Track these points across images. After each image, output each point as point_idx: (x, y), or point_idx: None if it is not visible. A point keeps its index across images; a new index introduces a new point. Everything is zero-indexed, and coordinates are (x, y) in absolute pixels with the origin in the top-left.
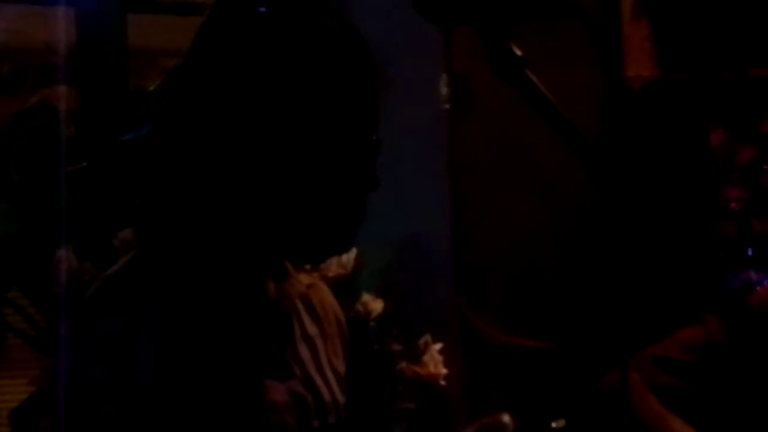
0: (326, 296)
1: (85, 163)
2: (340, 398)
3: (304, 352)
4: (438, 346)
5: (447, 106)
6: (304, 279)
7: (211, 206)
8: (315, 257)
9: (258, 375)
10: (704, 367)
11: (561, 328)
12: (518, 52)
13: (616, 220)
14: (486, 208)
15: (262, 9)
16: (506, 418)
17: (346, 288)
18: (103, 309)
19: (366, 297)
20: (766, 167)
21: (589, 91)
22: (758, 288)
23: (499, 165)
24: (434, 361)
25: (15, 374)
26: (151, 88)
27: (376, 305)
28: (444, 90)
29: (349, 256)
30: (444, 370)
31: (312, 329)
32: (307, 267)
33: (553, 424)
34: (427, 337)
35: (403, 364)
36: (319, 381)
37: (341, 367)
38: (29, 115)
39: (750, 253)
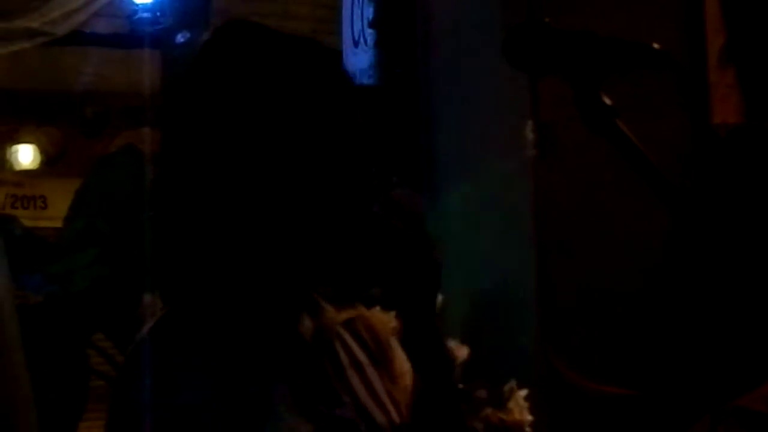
0: (375, 323)
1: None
2: (398, 420)
3: (354, 379)
4: (523, 392)
5: (532, 154)
6: (346, 313)
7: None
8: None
9: (301, 407)
10: None
11: (648, 375)
12: (608, 102)
13: (704, 267)
14: (571, 255)
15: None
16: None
17: None
18: (145, 365)
19: (451, 344)
20: None
21: (675, 139)
22: None
23: (584, 212)
24: (519, 407)
25: (99, 416)
26: None
27: (462, 352)
28: (529, 137)
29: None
30: (529, 417)
31: (361, 356)
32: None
33: None
34: (512, 384)
35: (489, 411)
36: (371, 405)
37: (399, 392)
38: (115, 158)
39: None
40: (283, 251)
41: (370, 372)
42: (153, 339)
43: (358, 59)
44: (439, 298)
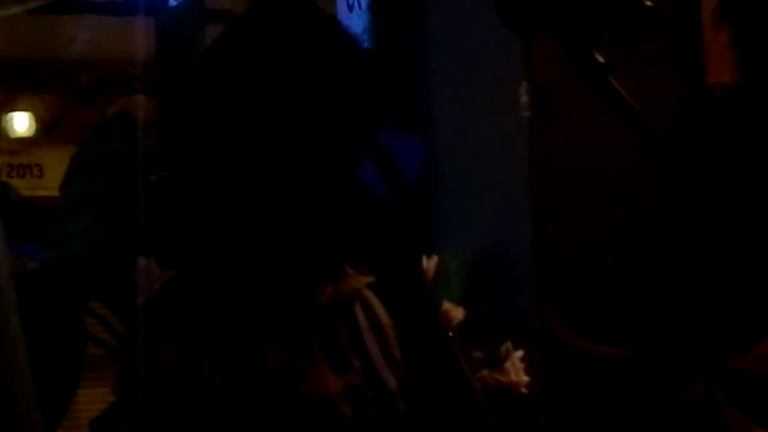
0: None
1: (166, 172)
2: None
3: (371, 342)
4: (519, 353)
5: (527, 114)
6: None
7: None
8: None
9: (310, 370)
10: None
11: (644, 336)
12: (601, 59)
13: (699, 227)
14: (567, 216)
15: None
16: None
17: None
18: (164, 318)
19: (447, 305)
20: None
21: (669, 98)
22: None
23: (580, 172)
24: (516, 368)
25: (96, 383)
26: None
27: (458, 313)
28: (524, 98)
29: (431, 264)
30: (526, 378)
31: (385, 318)
32: None
33: None
34: (508, 345)
35: (485, 372)
36: (383, 368)
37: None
38: (110, 124)
39: None
40: (295, 217)
41: (391, 334)
42: (161, 303)
43: (353, 23)
44: (435, 259)
